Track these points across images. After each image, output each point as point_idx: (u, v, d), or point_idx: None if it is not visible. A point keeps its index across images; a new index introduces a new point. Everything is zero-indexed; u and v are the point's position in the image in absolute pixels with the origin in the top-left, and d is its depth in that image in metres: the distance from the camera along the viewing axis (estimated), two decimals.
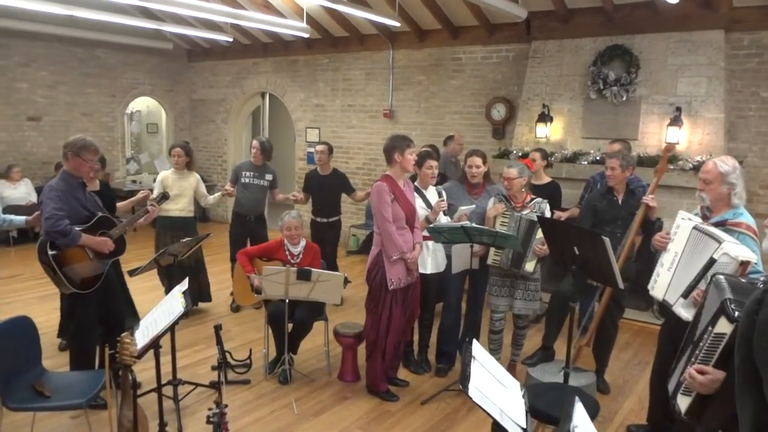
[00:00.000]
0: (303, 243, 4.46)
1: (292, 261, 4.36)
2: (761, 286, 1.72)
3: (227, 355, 4.24)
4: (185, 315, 3.37)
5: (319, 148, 5.72)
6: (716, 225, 2.93)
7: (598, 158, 5.89)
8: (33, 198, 8.00)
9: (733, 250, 2.66)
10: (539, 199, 4.10)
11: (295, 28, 7.14)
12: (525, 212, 4.00)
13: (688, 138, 5.73)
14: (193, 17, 8.78)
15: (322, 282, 3.94)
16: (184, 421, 3.51)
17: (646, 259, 3.87)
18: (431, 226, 3.91)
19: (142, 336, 2.86)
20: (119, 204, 4.39)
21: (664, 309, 3.22)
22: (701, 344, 1.88)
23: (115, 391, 2.85)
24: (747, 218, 2.96)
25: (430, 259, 4.21)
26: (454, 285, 4.30)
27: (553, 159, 6.22)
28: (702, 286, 2.73)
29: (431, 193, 4.22)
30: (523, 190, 4.04)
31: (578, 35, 6.37)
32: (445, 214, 4.09)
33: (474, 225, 3.81)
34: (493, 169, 6.10)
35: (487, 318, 4.30)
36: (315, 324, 4.33)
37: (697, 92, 5.74)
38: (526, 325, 4.27)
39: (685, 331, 2.17)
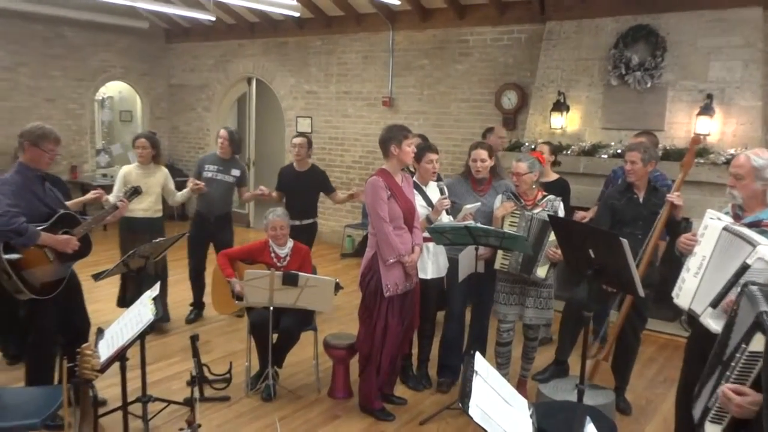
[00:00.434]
0: (290, 244, 4.45)
1: (278, 264, 4.35)
2: None
3: (204, 369, 4.22)
4: (150, 328, 3.34)
5: (297, 140, 5.58)
6: (749, 226, 2.90)
7: (619, 151, 5.87)
8: None
9: None
10: (552, 197, 4.08)
11: (285, 6, 7.12)
12: (536, 211, 3.98)
13: (721, 129, 5.71)
14: None
15: (310, 288, 3.93)
16: None
17: (671, 264, 3.85)
18: (432, 226, 3.89)
19: (106, 347, 2.84)
20: (68, 202, 4.08)
21: (694, 319, 3.20)
22: (733, 364, 1.85)
23: (74, 410, 2.83)
24: None
25: (431, 263, 4.19)
26: (457, 292, 4.29)
27: (570, 152, 6.21)
28: (733, 294, 2.71)
29: (432, 190, 4.21)
30: (534, 186, 4.03)
31: (598, 14, 6.35)
32: (447, 213, 4.08)
33: (479, 225, 3.80)
34: (504, 164, 6.09)
35: (494, 329, 4.28)
36: (303, 334, 4.31)
37: (732, 78, 5.71)
38: (537, 336, 4.25)
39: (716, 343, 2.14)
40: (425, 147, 4.19)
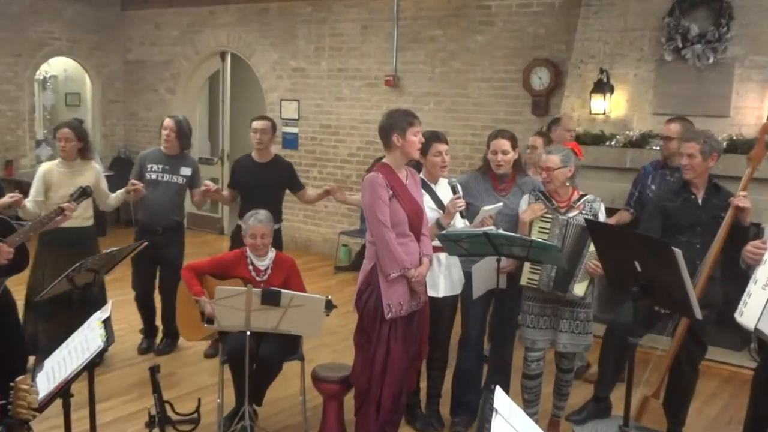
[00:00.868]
0: (272, 255, 4.47)
1: (258, 279, 4.37)
2: None
3: (167, 407, 4.24)
4: (99, 358, 3.35)
5: (259, 124, 5.45)
6: None
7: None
8: None
9: None
10: (591, 197, 4.09)
11: None
12: (572, 214, 3.99)
13: None
14: None
15: (295, 308, 3.94)
16: None
17: (737, 280, 3.86)
18: (444, 232, 3.90)
19: (46, 381, 2.86)
20: None
21: (763, 345, 3.21)
22: None
23: None
24: None
25: (443, 278, 4.20)
26: (474, 313, 4.29)
27: (614, 143, 6.22)
28: None
29: (443, 189, 4.22)
30: (568, 184, 4.04)
31: None
32: (462, 217, 4.09)
33: (501, 232, 3.81)
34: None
35: (520, 358, 4.29)
36: (287, 365, 4.32)
37: None
38: (572, 367, 4.26)
39: None
40: (431, 136, 4.21)
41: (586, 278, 3.95)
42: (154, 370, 4.12)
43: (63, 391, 2.88)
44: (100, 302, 4.96)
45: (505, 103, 7.61)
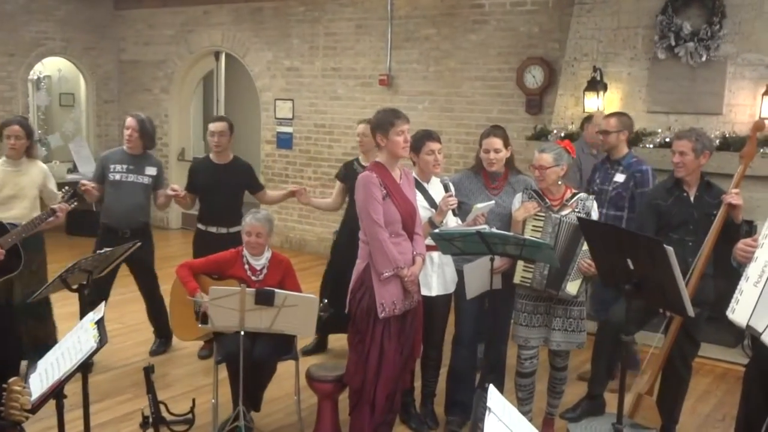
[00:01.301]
0: (268, 254, 4.48)
1: (254, 278, 4.37)
2: None
3: (161, 408, 4.24)
4: (92, 363, 3.34)
5: (216, 126, 5.36)
6: None
7: (667, 140, 5.90)
8: None
9: None
10: (584, 195, 4.11)
11: None
12: (565, 213, 4.00)
13: None
14: None
15: (289, 308, 3.94)
16: None
17: (730, 277, 3.87)
18: (437, 231, 3.91)
19: (38, 382, 2.86)
20: None
21: (756, 341, 3.21)
22: None
23: None
24: None
25: (436, 277, 4.21)
26: (468, 312, 4.30)
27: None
28: None
29: (435, 187, 4.23)
30: (560, 182, 4.05)
31: None
32: (454, 215, 4.11)
33: (494, 231, 3.82)
34: (526, 156, 6.12)
35: (514, 356, 4.30)
36: (282, 365, 4.32)
37: None
38: (566, 365, 4.26)
39: None
40: (424, 135, 4.21)
41: (579, 276, 3.96)
42: (148, 371, 4.13)
43: (56, 392, 2.87)
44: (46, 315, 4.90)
45: (499, 101, 7.62)
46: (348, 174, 5.41)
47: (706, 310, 4.06)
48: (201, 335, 4.49)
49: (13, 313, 4.46)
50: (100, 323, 3.03)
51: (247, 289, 3.90)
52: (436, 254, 4.15)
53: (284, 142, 9.35)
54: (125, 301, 5.70)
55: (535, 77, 7.31)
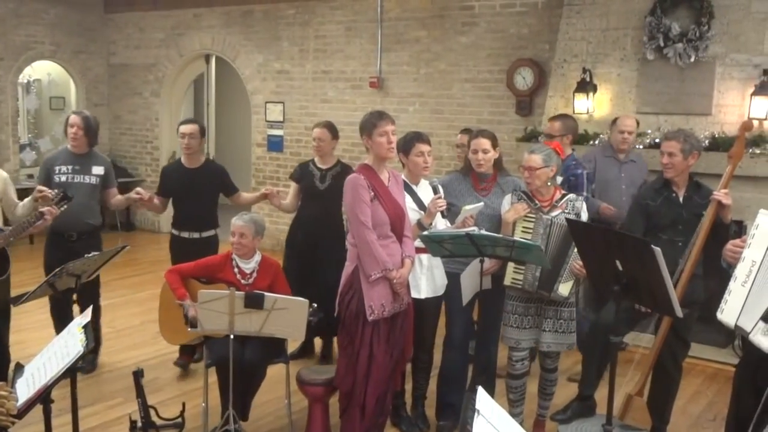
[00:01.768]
0: (257, 257, 4.47)
1: (243, 282, 4.36)
2: None
3: (151, 413, 4.22)
4: (80, 365, 3.31)
5: (187, 128, 5.26)
6: None
7: (657, 141, 5.91)
8: None
9: None
10: (573, 196, 4.11)
11: None
12: (555, 214, 4.01)
13: None
14: None
15: (278, 311, 3.93)
16: None
17: (720, 277, 3.88)
18: (426, 233, 3.90)
19: (25, 387, 2.84)
20: None
21: (746, 341, 3.22)
22: None
23: None
24: None
25: (425, 279, 4.21)
26: (458, 313, 4.30)
27: (598, 142, 6.24)
28: None
29: (424, 190, 4.23)
30: (549, 183, 4.05)
31: None
32: (443, 217, 4.11)
33: (484, 232, 3.82)
34: (517, 157, 6.12)
35: (505, 358, 4.29)
36: (271, 368, 4.33)
37: None
38: (556, 366, 4.27)
39: None
40: (414, 136, 4.21)
41: (571, 278, 3.97)
42: (137, 375, 4.11)
43: (43, 397, 2.86)
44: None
45: (489, 103, 7.64)
46: (303, 174, 5.43)
47: (696, 311, 4.07)
48: (190, 339, 4.48)
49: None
50: (87, 327, 3.02)
51: (237, 292, 3.89)
52: (425, 256, 4.14)
53: (275, 144, 9.34)
54: (115, 306, 5.68)
55: (525, 79, 7.33)
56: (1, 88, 9.79)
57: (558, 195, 4.09)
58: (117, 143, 10.96)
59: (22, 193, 5.04)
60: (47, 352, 3.03)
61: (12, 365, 4.53)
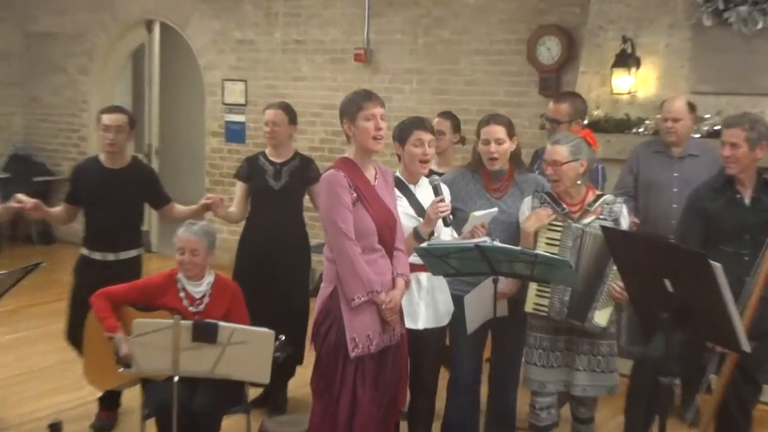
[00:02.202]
0: (210, 278, 4.46)
1: (192, 309, 4.36)
2: None
3: None
4: None
5: (111, 119, 5.13)
6: None
7: (717, 128, 5.90)
8: None
9: None
10: (610, 197, 4.12)
11: None
12: (588, 221, 4.01)
13: None
14: None
15: (236, 345, 3.91)
16: None
17: None
18: (425, 246, 3.90)
19: None
20: None
21: None
22: None
23: None
24: None
25: (425, 306, 4.18)
26: (466, 348, 4.31)
27: (642, 129, 6.23)
28: None
29: (424, 190, 4.21)
30: (580, 182, 4.05)
31: None
32: (446, 225, 4.07)
33: (498, 244, 3.81)
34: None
35: (527, 405, 4.28)
36: (228, 419, 4.30)
37: None
38: (592, 416, 4.27)
39: None
40: (412, 122, 4.21)
41: (609, 303, 3.97)
42: (55, 429, 4.07)
43: None
44: None
45: (505, 81, 7.63)
46: (252, 171, 5.38)
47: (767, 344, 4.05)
48: (123, 383, 4.44)
49: None
50: None
51: (182, 321, 3.87)
52: (424, 276, 4.14)
53: (235, 134, 9.32)
54: (26, 340, 5.62)
55: (550, 50, 7.32)
56: None
57: (591, 196, 4.09)
58: (34, 132, 10.93)
59: None
60: None
61: None
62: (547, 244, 4.00)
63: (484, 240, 3.84)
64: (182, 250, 4.34)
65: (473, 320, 4.14)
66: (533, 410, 4.20)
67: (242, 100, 9.19)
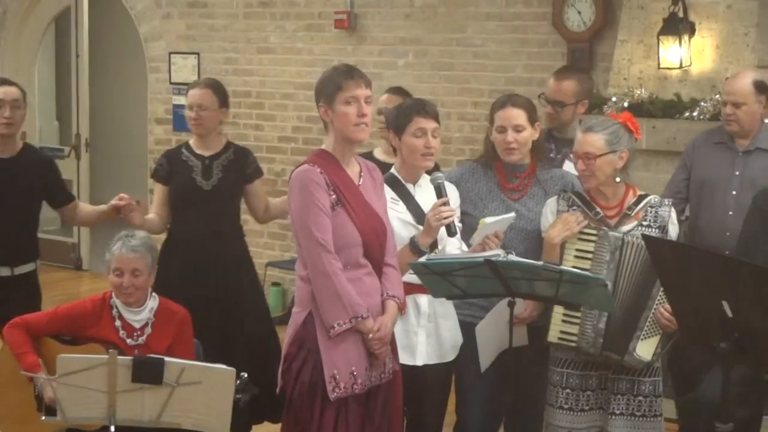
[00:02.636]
0: (153, 304, 4.50)
1: (130, 342, 4.38)
2: None
3: None
4: None
5: (4, 91, 5.16)
6: None
7: None
8: None
9: None
10: (655, 198, 4.15)
11: None
12: (628, 227, 4.04)
13: None
14: None
15: (187, 386, 3.93)
16: None
17: None
18: (424, 260, 3.92)
19: None
20: None
21: None
22: None
23: None
24: None
25: (426, 336, 4.21)
26: (475, 387, 4.33)
27: (696, 114, 6.26)
28: None
29: (426, 191, 4.23)
30: (618, 179, 4.08)
31: None
32: (451, 233, 4.09)
33: (515, 258, 3.83)
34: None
35: None
36: None
37: None
38: None
39: None
40: (412, 105, 4.25)
41: (656, 331, 4.00)
42: None
43: None
44: None
45: (525, 53, 7.67)
46: (174, 169, 5.35)
47: None
48: None
49: None
50: None
51: (119, 357, 3.89)
52: (424, 299, 4.17)
53: (185, 121, 9.30)
54: None
55: (581, 14, 7.34)
56: None
57: (632, 197, 4.12)
58: None
59: None
60: None
61: None
62: (577, 257, 4.03)
63: (497, 253, 3.84)
64: (119, 272, 4.35)
65: (487, 354, 4.16)
66: None
67: (195, 76, 9.18)
